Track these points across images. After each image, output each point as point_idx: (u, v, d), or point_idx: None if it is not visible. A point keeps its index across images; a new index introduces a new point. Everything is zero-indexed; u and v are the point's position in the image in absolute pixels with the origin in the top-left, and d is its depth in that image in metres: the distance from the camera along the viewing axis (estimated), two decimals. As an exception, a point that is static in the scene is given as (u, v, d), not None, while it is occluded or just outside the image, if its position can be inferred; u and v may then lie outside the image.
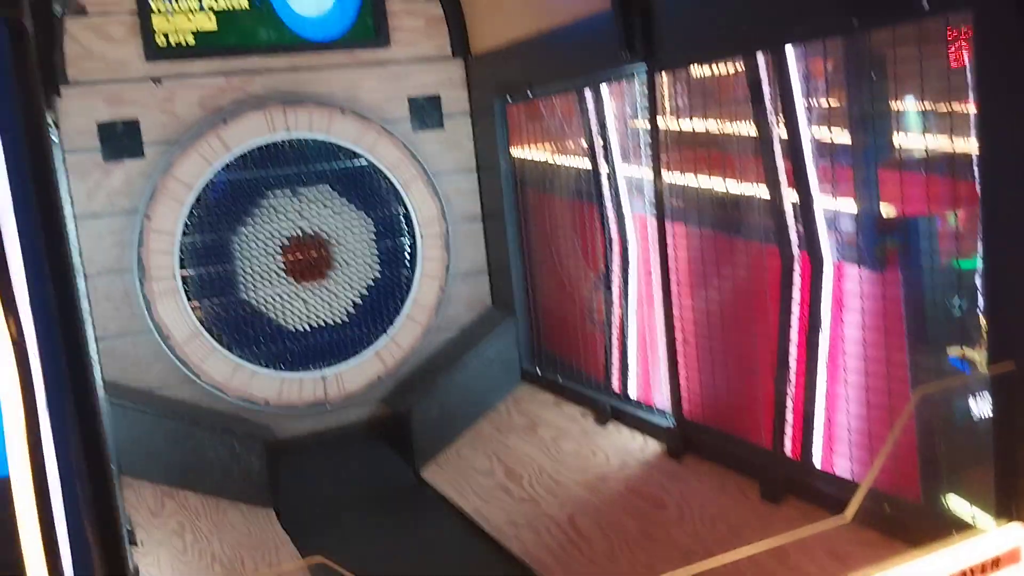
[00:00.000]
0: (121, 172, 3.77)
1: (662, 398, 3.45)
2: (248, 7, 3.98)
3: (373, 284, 4.21)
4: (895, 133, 2.42)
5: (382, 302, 4.21)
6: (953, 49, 2.25)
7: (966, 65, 2.19)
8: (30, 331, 1.25)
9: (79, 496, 1.22)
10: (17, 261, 1.36)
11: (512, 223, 4.17)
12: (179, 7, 3.85)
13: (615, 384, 3.73)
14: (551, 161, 3.94)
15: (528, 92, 3.85)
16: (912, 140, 2.38)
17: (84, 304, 3.32)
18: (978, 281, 2.28)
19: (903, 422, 2.18)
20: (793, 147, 2.68)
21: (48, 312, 1.22)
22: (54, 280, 1.25)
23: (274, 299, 4.06)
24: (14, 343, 1.16)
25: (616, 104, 3.48)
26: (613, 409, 3.65)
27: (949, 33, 2.24)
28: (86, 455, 1.27)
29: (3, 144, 1.17)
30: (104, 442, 1.36)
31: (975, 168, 2.16)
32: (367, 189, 4.16)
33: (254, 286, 4.02)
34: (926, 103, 2.32)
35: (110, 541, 1.29)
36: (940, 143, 2.29)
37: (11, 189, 1.17)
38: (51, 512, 1.76)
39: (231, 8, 3.95)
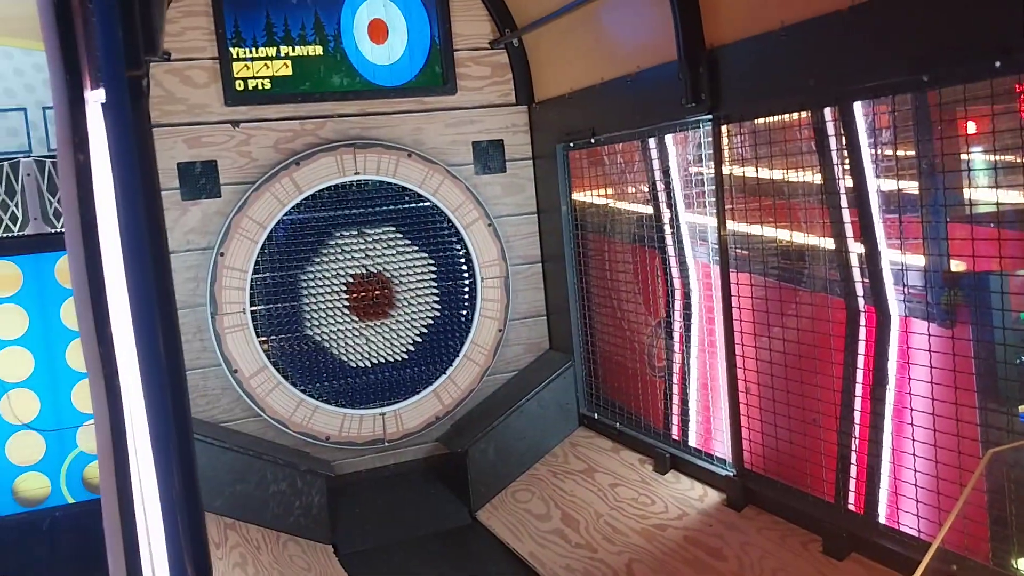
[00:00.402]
0: (198, 211, 3.93)
1: (722, 448, 3.43)
2: (322, 53, 4.15)
3: (433, 323, 4.28)
4: (965, 187, 2.41)
5: (442, 342, 4.28)
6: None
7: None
8: (131, 364, 1.29)
9: (178, 528, 1.26)
10: (121, 299, 1.44)
11: (572, 266, 4.22)
12: (258, 53, 4.03)
13: (675, 432, 3.71)
14: (612, 206, 3.99)
15: (591, 139, 3.91)
16: (982, 194, 2.37)
17: None
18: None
19: (974, 481, 2.14)
20: (860, 199, 2.68)
21: (154, 346, 1.27)
22: (162, 316, 1.31)
23: (337, 336, 4.16)
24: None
25: (680, 152, 3.52)
26: (672, 457, 3.63)
27: (1018, 87, 2.25)
28: (186, 496, 1.32)
29: (122, 197, 1.24)
30: (196, 474, 1.41)
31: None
32: (430, 230, 4.25)
33: (319, 322, 4.12)
34: (997, 156, 2.31)
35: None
36: (1012, 197, 2.27)
37: (125, 238, 1.24)
38: (136, 540, 1.83)
39: (306, 55, 4.12)
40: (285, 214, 4.03)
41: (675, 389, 3.69)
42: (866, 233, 2.68)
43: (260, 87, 4.04)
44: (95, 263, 1.92)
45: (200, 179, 3.92)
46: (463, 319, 4.31)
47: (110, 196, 1.72)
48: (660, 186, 3.61)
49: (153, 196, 1.37)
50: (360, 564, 3.70)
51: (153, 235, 1.36)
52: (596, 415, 4.17)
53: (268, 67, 4.06)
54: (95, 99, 1.92)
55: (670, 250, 3.62)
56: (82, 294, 1.94)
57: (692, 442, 3.62)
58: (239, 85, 3.99)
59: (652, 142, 3.60)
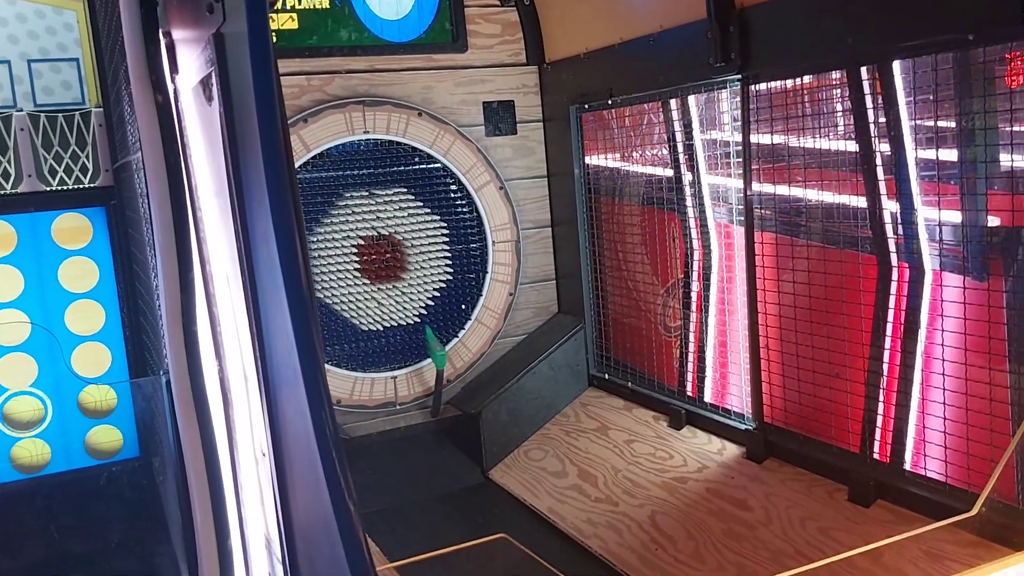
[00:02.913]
0: (207, 169, 3.84)
1: (740, 403, 3.51)
2: (329, 6, 4.06)
3: (445, 287, 4.27)
4: (1003, 147, 2.50)
5: (453, 305, 4.28)
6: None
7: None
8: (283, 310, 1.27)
9: (338, 466, 1.23)
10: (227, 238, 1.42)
11: (584, 230, 4.24)
12: (263, 8, 3.92)
13: (690, 389, 3.79)
14: (627, 169, 4.02)
15: (608, 100, 3.92)
16: (1019, 155, 2.46)
17: None
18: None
19: (1027, 425, 2.24)
20: (896, 160, 2.75)
21: (297, 275, 1.25)
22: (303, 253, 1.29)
23: (348, 299, 4.12)
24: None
25: (703, 113, 3.56)
26: (688, 413, 3.71)
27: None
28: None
29: (265, 136, 1.22)
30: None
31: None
32: (441, 192, 4.23)
33: (329, 285, 4.08)
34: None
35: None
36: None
37: (272, 182, 1.22)
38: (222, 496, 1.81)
39: (313, 7, 4.03)
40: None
41: (691, 348, 3.76)
42: (901, 191, 2.75)
43: (268, 43, 3.94)
44: (179, 204, 1.88)
45: (210, 136, 3.82)
46: (474, 282, 4.31)
47: (207, 137, 1.68)
48: (681, 147, 3.65)
49: (287, 140, 1.34)
50: (376, 523, 3.71)
51: (292, 179, 1.34)
52: (607, 375, 4.23)
53: (274, 20, 3.96)
54: (180, 36, 1.86)
55: (690, 212, 3.67)
56: (165, 237, 1.89)
57: (708, 399, 3.70)
58: (247, 40, 3.88)
59: (675, 104, 3.62)
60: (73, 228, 4.16)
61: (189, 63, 1.66)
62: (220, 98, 1.41)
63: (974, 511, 2.11)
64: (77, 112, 4.13)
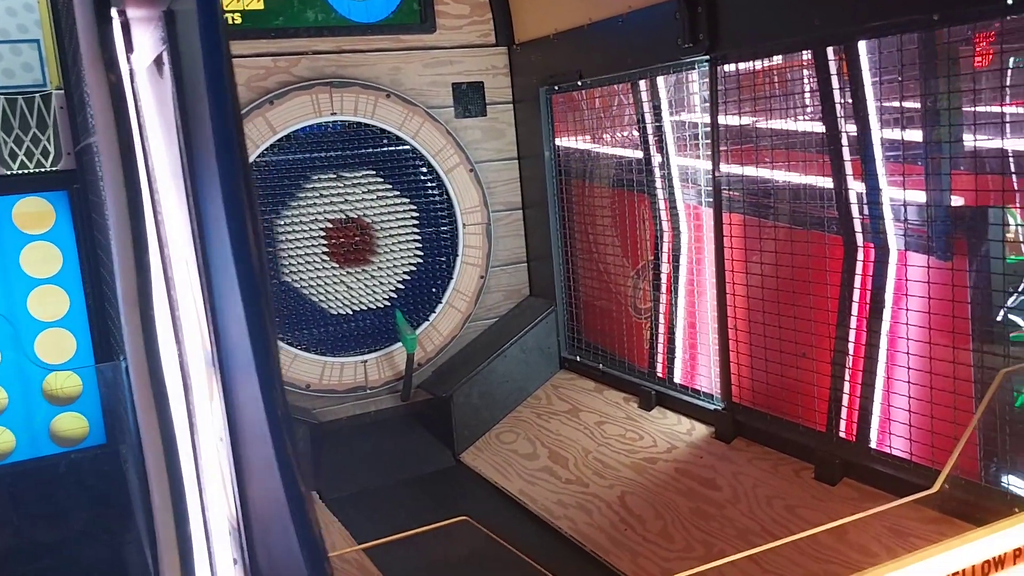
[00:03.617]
0: (171, 152, 3.77)
1: (709, 384, 3.53)
2: (295, -13, 4.00)
3: (415, 270, 4.24)
4: (967, 128, 2.51)
5: (423, 289, 4.25)
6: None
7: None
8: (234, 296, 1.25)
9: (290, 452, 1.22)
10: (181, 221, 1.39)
11: (555, 212, 4.23)
12: (226, -12, 3.86)
13: (660, 370, 3.80)
14: (597, 151, 4.01)
15: (578, 82, 3.90)
16: (982, 135, 2.48)
17: None
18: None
19: (988, 399, 2.27)
20: (861, 141, 2.76)
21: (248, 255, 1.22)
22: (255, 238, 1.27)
23: (316, 283, 4.08)
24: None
25: (672, 94, 3.55)
26: (658, 394, 3.73)
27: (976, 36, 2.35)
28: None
29: (217, 114, 1.20)
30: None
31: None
32: (410, 175, 4.19)
33: (297, 269, 4.04)
34: (1000, 98, 2.41)
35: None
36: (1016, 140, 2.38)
37: (224, 159, 1.20)
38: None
39: (278, -13, 3.97)
40: (259, 155, 3.91)
41: (661, 329, 3.77)
42: (867, 171, 2.77)
43: (231, 21, 3.88)
44: (134, 186, 1.84)
45: (174, 118, 3.74)
46: (445, 265, 4.29)
47: (161, 117, 1.65)
48: (651, 129, 3.64)
49: (238, 118, 1.31)
50: (346, 508, 3.70)
51: (244, 159, 1.31)
52: (578, 358, 4.23)
53: (239, 0, 3.89)
54: (133, 14, 1.82)
55: (660, 193, 3.67)
56: (120, 219, 1.85)
57: (678, 379, 3.72)
58: (212, 20, 3.81)
59: (644, 85, 3.61)
60: (35, 213, 4.07)
61: (143, 42, 1.62)
62: (172, 77, 1.38)
63: (935, 488, 2.15)
64: (37, 94, 4.03)
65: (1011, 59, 2.35)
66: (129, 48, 1.79)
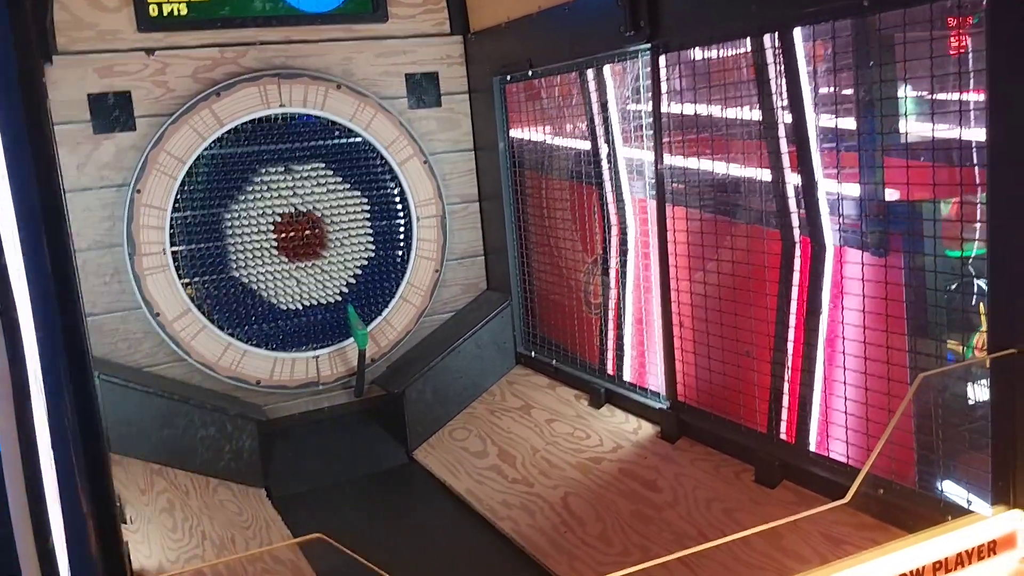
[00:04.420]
0: (112, 145, 3.71)
1: (657, 382, 3.45)
2: (243, -23, 3.91)
3: (367, 264, 4.17)
4: (901, 119, 2.41)
5: (376, 283, 4.18)
6: (959, 34, 2.24)
7: (969, 52, 2.18)
8: (25, 305, 1.21)
9: (76, 473, 1.19)
10: (12, 236, 1.32)
11: (510, 205, 4.14)
12: (172, -23, 3.78)
13: (610, 368, 3.72)
14: (550, 142, 3.91)
15: (528, 71, 3.81)
16: (917, 126, 2.37)
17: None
18: (975, 268, 2.29)
19: (905, 405, 2.18)
20: (797, 130, 2.66)
21: (45, 287, 1.18)
22: (52, 255, 1.22)
23: (266, 277, 4.01)
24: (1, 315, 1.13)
25: (618, 85, 3.45)
26: (607, 392, 3.64)
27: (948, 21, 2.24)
28: (82, 432, 1.24)
29: (5, 110, 1.13)
30: (100, 419, 1.33)
31: (979, 155, 2.16)
32: (362, 167, 4.11)
33: (246, 264, 3.97)
34: (933, 88, 2.30)
35: (106, 519, 1.27)
36: (946, 129, 2.28)
37: (7, 164, 1.13)
38: (42, 489, 1.73)
39: (225, -22, 3.88)
40: (205, 148, 3.83)
41: (611, 325, 3.69)
42: (803, 163, 2.67)
43: (176, 12, 3.80)
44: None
45: (113, 111, 3.68)
46: (398, 259, 4.21)
47: None
48: (598, 120, 3.54)
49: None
50: (294, 506, 3.64)
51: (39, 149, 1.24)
52: (533, 353, 4.16)
53: (186, -10, 3.82)
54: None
55: (607, 186, 3.58)
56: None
57: (627, 377, 3.64)
58: (153, 10, 3.74)
59: (590, 74, 3.51)
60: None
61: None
62: None
63: (847, 499, 2.05)
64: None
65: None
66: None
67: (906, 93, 2.38)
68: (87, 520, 1.08)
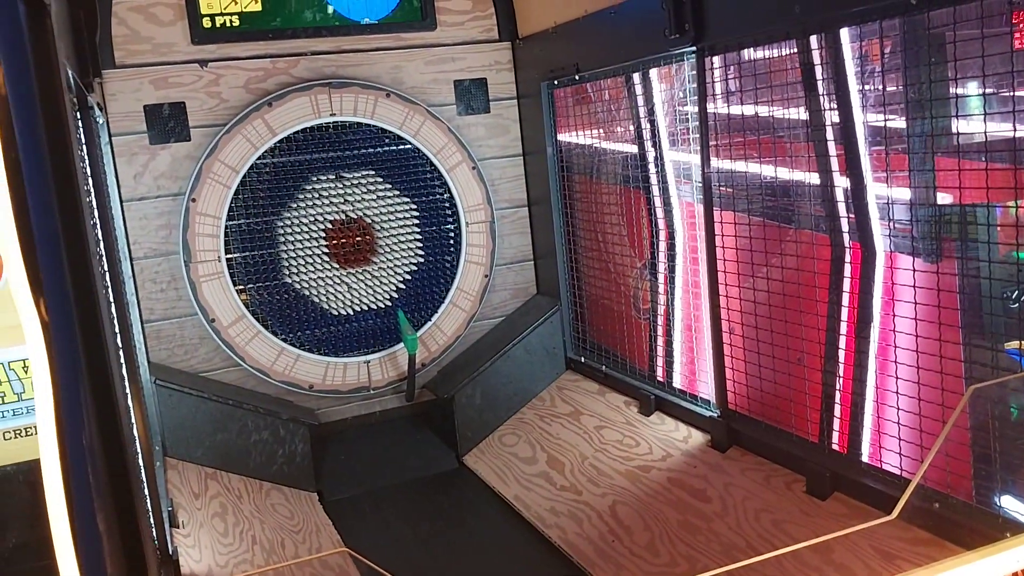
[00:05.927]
0: (167, 155, 3.82)
1: (707, 389, 3.39)
2: (293, -13, 3.99)
3: (417, 270, 4.20)
4: (954, 119, 2.32)
5: (426, 288, 4.21)
6: (1018, 30, 2.14)
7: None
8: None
9: (91, 480, 1.21)
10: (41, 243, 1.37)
11: (558, 210, 4.13)
12: (226, -10, 3.87)
13: (660, 374, 3.67)
14: (598, 146, 3.88)
15: (576, 75, 3.79)
16: (972, 126, 2.28)
17: (129, 286, 3.37)
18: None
19: (955, 418, 2.09)
20: (846, 133, 2.59)
21: (63, 294, 1.21)
22: (70, 262, 1.24)
23: (318, 283, 4.08)
24: (44, 324, 1.16)
25: (665, 88, 3.41)
26: (657, 399, 3.60)
27: (1014, 15, 2.14)
28: (102, 438, 1.27)
29: (20, 120, 1.16)
30: (122, 433, 1.36)
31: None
32: (411, 174, 4.15)
33: (298, 270, 4.05)
34: (987, 87, 2.21)
35: (129, 525, 1.29)
36: (1001, 129, 2.18)
37: (28, 171, 1.16)
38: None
39: (277, -11, 3.96)
40: (258, 158, 3.92)
41: (659, 331, 3.64)
42: (852, 168, 2.59)
43: (228, 24, 3.90)
44: None
45: (168, 122, 3.79)
46: (448, 265, 4.23)
47: None
48: (645, 124, 3.50)
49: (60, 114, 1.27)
50: (346, 510, 3.70)
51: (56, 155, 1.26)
52: (583, 359, 4.13)
53: (236, 2, 3.91)
54: None
55: (655, 190, 3.53)
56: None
57: (677, 383, 3.58)
58: (206, 22, 3.84)
59: (637, 78, 3.48)
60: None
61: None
62: None
63: (894, 515, 1.98)
64: None
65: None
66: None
67: (959, 92, 2.29)
68: (102, 540, 1.10)
